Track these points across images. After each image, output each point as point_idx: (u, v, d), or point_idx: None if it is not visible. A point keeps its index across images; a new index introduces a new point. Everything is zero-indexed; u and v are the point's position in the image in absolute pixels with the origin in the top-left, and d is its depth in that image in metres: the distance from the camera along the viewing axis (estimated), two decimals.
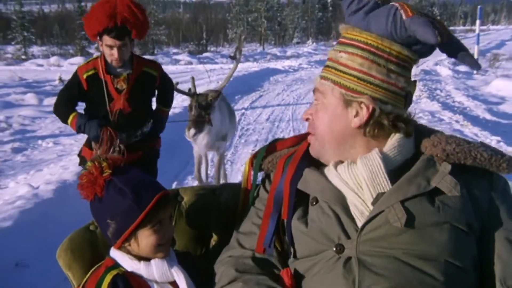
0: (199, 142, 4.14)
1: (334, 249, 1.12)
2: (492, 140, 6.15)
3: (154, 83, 2.96)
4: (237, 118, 7.94)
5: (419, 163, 1.15)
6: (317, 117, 1.21)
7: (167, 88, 3.11)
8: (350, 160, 1.19)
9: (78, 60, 24.43)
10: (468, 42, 33.26)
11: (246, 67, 17.78)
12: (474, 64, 1.20)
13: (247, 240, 1.29)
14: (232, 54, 4.26)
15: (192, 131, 3.75)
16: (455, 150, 1.14)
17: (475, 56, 14.04)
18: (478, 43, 15.83)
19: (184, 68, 19.73)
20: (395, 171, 1.14)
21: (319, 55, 26.52)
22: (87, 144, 2.99)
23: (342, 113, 1.18)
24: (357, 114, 1.17)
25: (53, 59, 25.94)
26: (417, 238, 1.07)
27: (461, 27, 78.57)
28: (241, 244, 1.30)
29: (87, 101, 2.91)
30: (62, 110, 2.90)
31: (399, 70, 1.16)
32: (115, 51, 2.71)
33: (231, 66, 15.64)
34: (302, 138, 1.36)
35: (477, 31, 16.50)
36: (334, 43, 1.32)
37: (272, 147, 1.40)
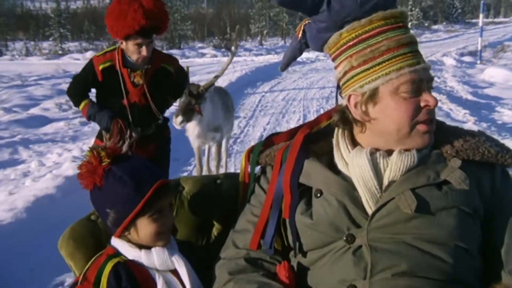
0: (191, 133, 4.23)
1: (345, 239, 1.13)
2: (461, 112, 7.69)
3: (170, 79, 2.96)
4: (258, 100, 9.71)
5: (429, 158, 1.17)
6: (434, 103, 1.17)
7: (180, 83, 3.14)
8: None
9: None
10: (485, 34, 34.06)
11: (268, 59, 19.55)
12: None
13: (241, 239, 1.30)
14: (227, 45, 4.30)
15: (180, 118, 3.74)
16: (463, 147, 1.17)
17: (478, 48, 15.33)
18: (481, 36, 17.02)
19: (210, 61, 21.58)
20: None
21: None
22: (99, 136, 3.01)
23: None
24: None
25: (88, 54, 27.98)
26: (427, 223, 1.09)
27: (484, 19, 77.85)
28: (235, 244, 1.30)
29: (101, 91, 2.90)
30: (75, 94, 2.92)
31: None
32: (143, 49, 2.69)
33: (254, 58, 17.52)
34: (296, 132, 1.35)
35: (480, 24, 17.65)
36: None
37: (268, 141, 1.40)
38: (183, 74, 3.12)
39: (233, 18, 51.81)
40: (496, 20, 78.11)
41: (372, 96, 1.16)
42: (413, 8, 59.97)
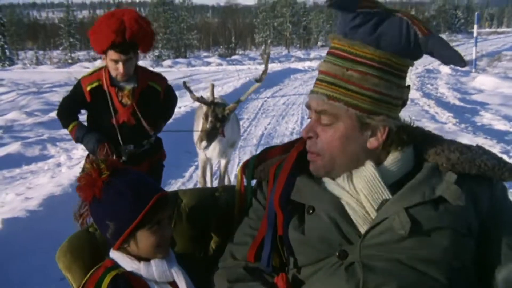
0: (210, 151, 4.13)
1: (337, 254, 1.13)
2: (445, 115, 8.42)
3: (158, 98, 2.91)
4: (260, 104, 10.50)
5: (423, 172, 1.15)
6: (325, 137, 1.16)
7: (170, 103, 3.07)
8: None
9: None
10: (485, 44, 34.71)
11: (270, 67, 20.23)
12: (459, 61, 1.13)
13: (239, 251, 1.30)
14: (257, 78, 4.04)
15: (204, 143, 3.69)
16: (459, 160, 1.15)
17: (473, 57, 16.04)
18: (476, 45, 17.77)
19: (215, 69, 22.50)
20: (398, 181, 1.15)
21: None
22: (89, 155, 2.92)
23: (357, 134, 1.15)
24: (372, 134, 1.15)
25: (97, 62, 28.89)
26: (421, 243, 1.08)
27: (487, 29, 78.53)
28: (233, 255, 1.31)
29: (90, 112, 2.88)
30: (64, 116, 2.87)
31: (404, 82, 1.17)
32: (120, 66, 2.66)
33: (258, 67, 18.34)
34: (291, 146, 1.35)
35: (475, 35, 18.41)
36: (324, 54, 1.23)
37: (262, 155, 1.39)
38: (172, 94, 3.06)
39: (238, 28, 52.80)
40: (498, 30, 78.78)
41: None
42: None
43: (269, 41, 48.15)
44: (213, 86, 3.91)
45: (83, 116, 2.93)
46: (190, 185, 5.02)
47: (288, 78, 16.69)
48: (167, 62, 29.34)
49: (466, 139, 6.41)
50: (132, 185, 1.26)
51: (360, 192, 1.14)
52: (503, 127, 7.46)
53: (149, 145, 2.95)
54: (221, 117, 3.74)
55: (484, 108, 9.64)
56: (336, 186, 1.18)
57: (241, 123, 7.73)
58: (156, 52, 38.47)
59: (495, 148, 5.79)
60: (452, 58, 1.11)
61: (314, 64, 22.20)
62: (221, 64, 26.97)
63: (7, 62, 32.81)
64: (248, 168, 1.38)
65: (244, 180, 1.42)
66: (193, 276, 1.31)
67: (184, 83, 3.95)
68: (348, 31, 1.15)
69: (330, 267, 1.14)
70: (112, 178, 1.25)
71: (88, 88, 2.76)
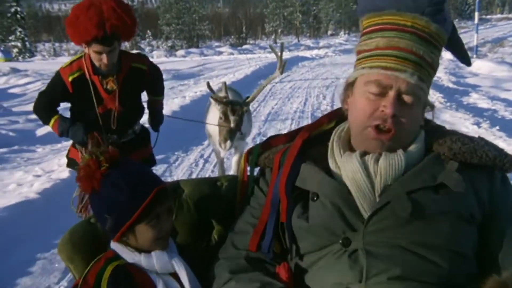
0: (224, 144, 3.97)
1: (341, 242, 1.14)
2: (436, 95, 9.30)
3: (143, 77, 2.81)
4: (269, 88, 11.49)
5: (426, 160, 1.17)
6: (411, 116, 1.16)
7: (157, 77, 2.99)
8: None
9: None
10: (493, 30, 35.01)
11: None
12: (466, 60, 1.27)
13: (240, 240, 1.30)
14: (278, 72, 4.06)
15: (229, 143, 3.65)
16: (461, 149, 1.17)
17: (474, 43, 16.75)
18: (477, 32, 18.45)
19: (227, 58, 23.50)
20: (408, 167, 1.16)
21: (348, 45, 29.60)
22: (75, 144, 2.83)
23: (423, 111, 1.21)
24: (423, 109, 1.21)
25: None
26: (423, 227, 1.10)
27: (498, 15, 77.93)
28: (235, 245, 1.31)
29: (72, 103, 2.76)
30: (43, 111, 2.75)
31: None
32: (104, 57, 2.54)
33: (268, 55, 19.18)
34: (295, 134, 1.35)
35: (476, 21, 19.02)
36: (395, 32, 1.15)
37: (267, 143, 1.41)
38: (157, 69, 2.97)
39: (248, 18, 53.52)
40: (510, 15, 78.24)
41: (350, 85, 1.22)
42: None
43: (279, 30, 48.89)
44: (225, 84, 3.82)
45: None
46: (199, 170, 5.31)
47: (296, 66, 17.65)
48: (180, 52, 30.33)
49: (448, 114, 7.32)
50: (130, 178, 1.25)
51: (377, 173, 1.15)
52: (486, 105, 8.30)
53: (133, 135, 2.89)
54: (241, 116, 3.71)
55: (475, 90, 10.35)
56: (340, 173, 1.20)
57: (251, 104, 8.77)
58: (170, 43, 39.52)
59: (469, 121, 6.70)
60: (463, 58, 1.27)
61: (322, 52, 23.09)
62: (232, 53, 27.94)
63: (27, 54, 34.25)
64: (253, 155, 1.40)
65: (248, 168, 1.42)
66: (194, 266, 1.31)
67: (208, 83, 4.04)
68: (429, 11, 1.16)
69: (333, 255, 1.15)
70: (111, 170, 1.25)
71: (70, 78, 2.63)
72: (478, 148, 1.19)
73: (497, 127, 6.26)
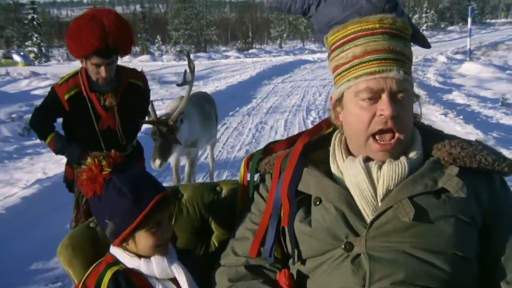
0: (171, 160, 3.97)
1: (343, 247, 1.13)
2: (420, 93, 10.33)
3: (140, 93, 2.82)
4: (271, 88, 12.70)
5: (426, 165, 1.17)
6: (407, 111, 1.16)
7: (148, 96, 2.99)
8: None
9: (146, 58, 29.92)
10: (493, 34, 35.73)
11: (284, 59, 22.74)
12: (425, 44, 1.27)
13: (240, 246, 1.30)
14: (180, 82, 3.89)
15: (158, 161, 3.57)
16: (460, 154, 1.18)
17: (467, 47, 17.73)
18: (470, 36, 19.41)
19: (234, 62, 24.83)
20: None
21: None
22: (69, 163, 2.79)
23: (413, 102, 1.20)
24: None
25: (125, 58, 31.06)
26: (425, 231, 1.10)
27: (502, 20, 78.42)
28: (235, 251, 1.31)
29: (69, 120, 2.71)
30: (41, 127, 2.74)
31: None
32: (102, 70, 2.51)
33: (273, 59, 20.38)
34: (295, 140, 1.36)
35: (469, 27, 19.89)
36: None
37: (268, 149, 1.41)
38: (149, 92, 2.98)
39: (254, 23, 54.76)
40: None
41: (338, 102, 1.22)
42: (428, 10, 61.86)
43: (284, 35, 50.09)
44: (152, 103, 3.52)
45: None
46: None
47: (298, 68, 18.92)
48: None
49: (424, 108, 8.40)
50: (132, 184, 1.24)
51: (380, 178, 1.15)
52: (462, 101, 9.34)
53: (131, 149, 2.88)
54: (168, 131, 3.60)
55: (459, 89, 11.22)
56: (342, 178, 1.20)
57: (254, 100, 10.11)
58: (178, 47, 40.84)
59: (439, 112, 7.81)
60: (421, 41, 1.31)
61: (324, 55, 24.18)
62: (239, 57, 29.26)
63: (43, 59, 35.85)
64: (253, 161, 1.40)
65: (248, 174, 1.42)
66: (194, 271, 1.31)
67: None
68: (388, 8, 1.23)
69: (336, 260, 1.15)
70: (113, 175, 1.24)
71: (66, 96, 2.60)
72: (477, 153, 1.19)
73: (461, 117, 7.37)
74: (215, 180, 4.96)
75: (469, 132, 6.22)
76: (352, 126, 1.20)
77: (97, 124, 2.66)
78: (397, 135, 1.16)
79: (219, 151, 6.24)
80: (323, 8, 1.30)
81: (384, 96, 1.14)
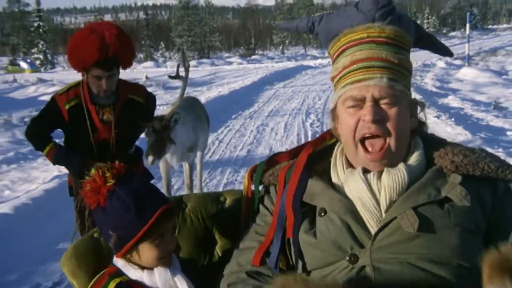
0: (169, 161, 4.06)
1: (348, 259, 1.13)
2: (416, 97, 10.70)
3: (139, 110, 2.81)
4: (273, 92, 13.09)
5: (428, 174, 1.17)
6: (393, 114, 1.15)
7: (152, 106, 3.01)
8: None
9: (150, 64, 30.41)
10: (494, 40, 35.93)
11: (286, 64, 23.20)
12: (447, 52, 1.28)
13: (245, 257, 1.30)
14: (173, 74, 3.90)
15: (150, 158, 3.54)
16: (463, 162, 1.17)
17: (466, 52, 18.10)
18: (468, 42, 19.71)
19: (237, 67, 25.29)
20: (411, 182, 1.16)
21: None
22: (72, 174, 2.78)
23: (408, 113, 1.20)
24: (411, 115, 1.21)
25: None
26: (430, 242, 1.10)
27: (504, 25, 78.53)
28: (239, 262, 1.31)
29: (67, 131, 2.73)
30: (39, 137, 2.72)
31: None
32: (103, 82, 2.53)
33: (275, 65, 20.82)
34: (299, 151, 1.37)
35: (467, 32, 20.29)
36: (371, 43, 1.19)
37: (271, 161, 1.42)
38: (152, 99, 2.97)
39: (257, 29, 55.27)
40: None
41: (334, 111, 1.26)
42: (429, 16, 62.30)
43: (287, 41, 50.56)
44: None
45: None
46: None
47: (300, 74, 19.33)
48: (192, 63, 31.84)
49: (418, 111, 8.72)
50: (136, 196, 1.24)
51: (382, 190, 1.15)
52: (456, 105, 9.62)
53: (128, 160, 2.77)
54: (161, 128, 3.61)
55: (455, 93, 11.45)
56: (357, 186, 1.17)
57: (256, 104, 10.48)
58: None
59: (432, 114, 8.12)
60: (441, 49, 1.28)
61: (325, 61, 24.65)
62: (241, 63, 29.73)
63: (49, 66, 36.46)
64: (256, 173, 1.41)
65: (252, 185, 1.42)
66: (197, 282, 1.31)
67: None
68: (379, 16, 1.21)
69: (341, 271, 1.14)
70: (117, 186, 1.24)
71: (67, 106, 2.61)
72: (480, 160, 1.19)
73: (452, 119, 7.71)
74: (218, 176, 5.42)
75: (459, 133, 6.57)
76: (343, 133, 1.23)
77: (92, 136, 2.67)
78: (387, 140, 1.17)
79: (223, 151, 6.59)
80: (325, 24, 1.33)
81: (367, 103, 1.17)
